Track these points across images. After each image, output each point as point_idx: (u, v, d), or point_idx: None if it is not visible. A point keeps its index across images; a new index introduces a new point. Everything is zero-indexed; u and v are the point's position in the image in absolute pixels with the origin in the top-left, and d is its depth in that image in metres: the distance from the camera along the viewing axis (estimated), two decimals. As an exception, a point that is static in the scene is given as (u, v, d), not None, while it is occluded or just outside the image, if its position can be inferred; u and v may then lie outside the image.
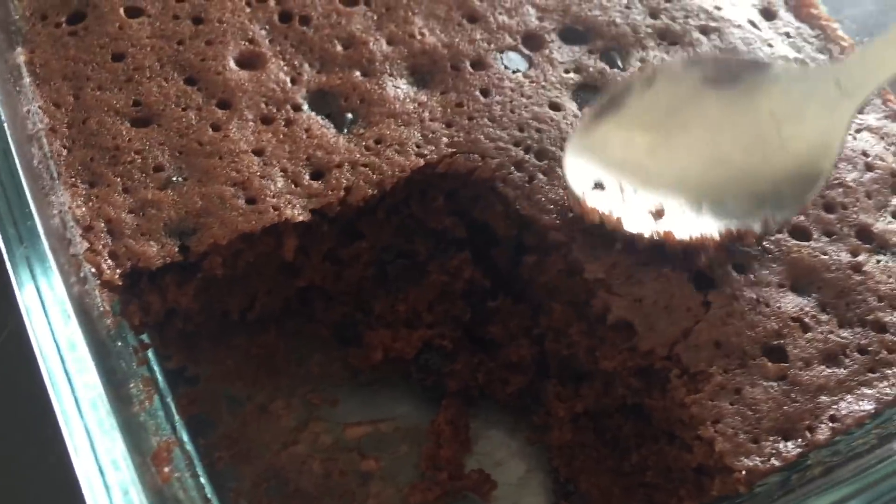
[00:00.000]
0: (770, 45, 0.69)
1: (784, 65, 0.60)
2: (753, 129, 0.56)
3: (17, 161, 0.53)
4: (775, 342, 0.54)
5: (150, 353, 0.58)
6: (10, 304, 0.48)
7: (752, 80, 0.57)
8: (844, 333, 0.55)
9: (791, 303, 0.55)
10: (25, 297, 0.47)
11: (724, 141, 0.56)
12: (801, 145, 0.55)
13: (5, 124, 0.54)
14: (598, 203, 0.56)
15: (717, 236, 0.54)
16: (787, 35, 0.71)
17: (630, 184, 0.56)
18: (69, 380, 0.45)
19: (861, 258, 0.58)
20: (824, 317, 0.55)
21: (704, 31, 0.69)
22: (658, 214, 0.55)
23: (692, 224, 0.55)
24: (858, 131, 0.64)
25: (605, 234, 0.56)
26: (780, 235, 0.58)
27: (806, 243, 0.58)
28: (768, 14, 0.72)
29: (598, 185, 0.57)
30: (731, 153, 0.56)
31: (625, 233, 0.55)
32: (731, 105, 0.57)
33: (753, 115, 0.56)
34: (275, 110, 0.60)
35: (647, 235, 0.55)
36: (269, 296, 0.63)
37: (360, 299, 0.65)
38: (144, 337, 0.58)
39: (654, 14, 0.69)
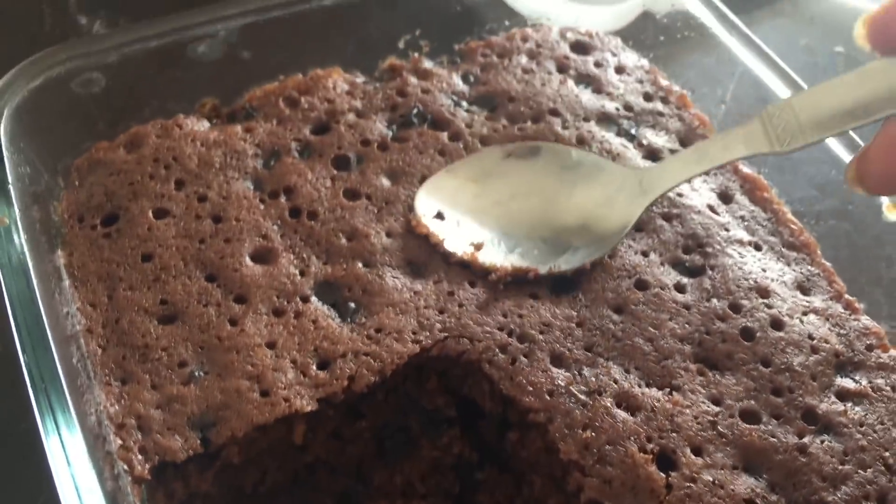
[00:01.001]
0: (727, 230, 0.77)
1: (582, 154, 0.79)
2: (554, 198, 0.76)
3: (58, 363, 0.60)
4: (731, 521, 0.61)
5: (171, 530, 0.64)
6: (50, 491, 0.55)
7: (551, 157, 0.78)
8: (799, 506, 0.62)
9: (743, 484, 0.62)
10: (67, 500, 0.54)
11: (529, 201, 0.76)
12: (604, 222, 0.73)
13: (48, 326, 0.62)
14: (432, 225, 0.73)
15: (508, 267, 0.71)
16: (742, 218, 0.79)
17: (464, 221, 0.74)
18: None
19: (806, 440, 0.65)
20: (773, 497, 0.62)
21: (667, 217, 0.77)
22: (477, 247, 0.72)
23: (497, 257, 0.72)
24: (805, 314, 0.72)
25: (585, 422, 0.64)
26: (732, 419, 0.65)
27: (756, 426, 0.65)
28: (725, 198, 0.81)
29: (439, 216, 0.74)
30: (534, 212, 0.75)
31: (442, 249, 0.72)
32: (532, 173, 0.77)
33: (554, 187, 0.76)
34: (285, 303, 0.68)
35: (458, 254, 0.71)
36: (279, 471, 0.69)
37: (360, 472, 0.72)
38: (166, 515, 0.64)
39: (622, 203, 0.78)
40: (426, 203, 0.74)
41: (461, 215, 0.74)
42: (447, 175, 0.76)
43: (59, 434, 0.56)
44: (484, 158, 0.78)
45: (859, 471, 0.64)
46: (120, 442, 0.60)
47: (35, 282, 0.61)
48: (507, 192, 0.75)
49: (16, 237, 0.63)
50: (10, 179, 0.66)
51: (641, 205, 0.73)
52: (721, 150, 0.68)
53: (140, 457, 0.60)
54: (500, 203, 0.75)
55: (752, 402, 0.66)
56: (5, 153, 0.67)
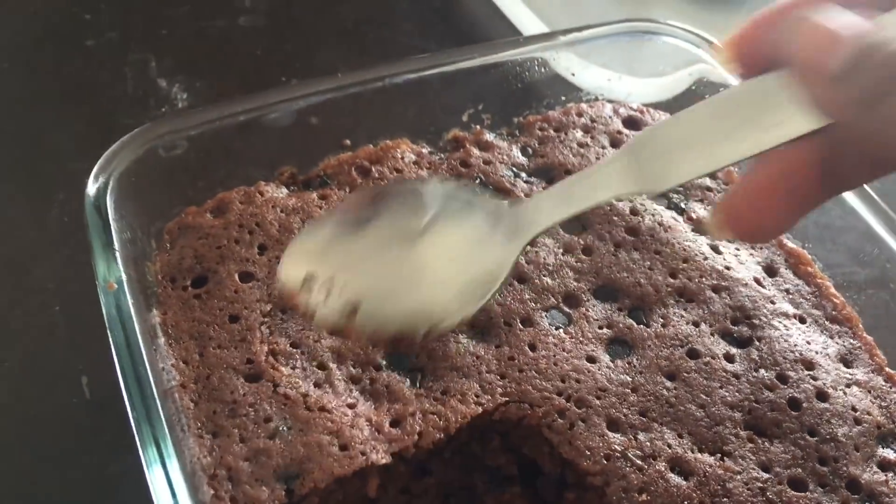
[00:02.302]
0: (773, 302, 0.82)
1: (455, 196, 0.68)
2: (419, 256, 0.66)
3: (162, 415, 0.66)
4: (779, 586, 0.64)
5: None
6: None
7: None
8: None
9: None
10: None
11: (392, 264, 0.67)
12: (477, 268, 0.65)
13: (153, 381, 0.67)
14: (302, 294, 0.65)
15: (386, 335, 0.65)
16: (787, 292, 0.84)
17: (339, 278, 0.65)
18: None
19: (851, 508, 0.69)
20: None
21: (716, 289, 0.82)
22: (353, 311, 0.64)
23: (375, 322, 0.65)
24: (848, 386, 0.76)
25: (641, 486, 0.68)
26: (780, 486, 0.69)
27: (803, 494, 0.69)
28: (771, 271, 0.85)
29: (309, 278, 0.65)
30: (405, 273, 0.66)
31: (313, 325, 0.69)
32: (391, 236, 0.67)
33: (417, 245, 0.66)
34: (360, 371, 0.74)
35: (332, 324, 0.65)
36: (351, 521, 0.74)
37: (426, 524, 0.77)
38: (248, 560, 0.69)
39: (673, 274, 0.83)
40: (292, 265, 0.67)
41: (334, 273, 0.66)
42: (309, 237, 0.69)
43: (169, 480, 0.61)
44: (335, 226, 0.69)
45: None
46: (212, 492, 0.65)
47: (140, 339, 0.67)
48: (377, 246, 0.67)
49: (123, 300, 0.69)
50: (116, 245, 0.72)
51: (518, 247, 0.65)
52: (589, 190, 0.61)
53: (231, 506, 0.65)
54: (372, 256, 0.67)
55: (800, 469, 0.70)
56: (111, 220, 0.73)
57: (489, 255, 0.65)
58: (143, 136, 0.80)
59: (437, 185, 0.71)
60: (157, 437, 0.63)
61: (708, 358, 0.77)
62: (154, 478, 0.61)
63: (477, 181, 0.88)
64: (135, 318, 0.69)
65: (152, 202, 0.81)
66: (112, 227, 0.73)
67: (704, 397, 0.74)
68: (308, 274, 0.65)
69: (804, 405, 0.74)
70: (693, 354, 0.77)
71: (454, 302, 0.65)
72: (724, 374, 0.76)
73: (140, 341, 0.68)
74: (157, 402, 0.65)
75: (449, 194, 0.69)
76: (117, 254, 0.71)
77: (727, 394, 0.74)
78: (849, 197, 0.86)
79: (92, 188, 0.75)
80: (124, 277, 0.70)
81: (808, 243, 0.88)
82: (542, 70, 0.97)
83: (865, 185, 0.86)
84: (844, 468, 0.71)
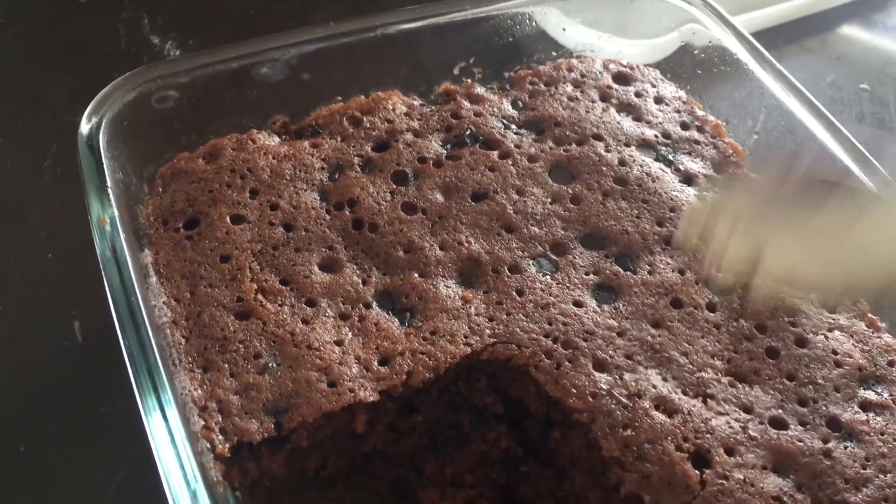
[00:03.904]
0: (757, 251, 0.83)
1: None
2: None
3: (154, 347, 0.66)
4: (759, 517, 0.66)
5: (241, 509, 0.70)
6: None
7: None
8: (819, 511, 0.67)
9: (772, 483, 0.67)
10: (168, 469, 0.60)
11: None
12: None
13: (145, 316, 0.68)
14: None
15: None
16: (772, 241, 0.85)
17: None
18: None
19: (831, 444, 0.70)
20: (800, 496, 0.67)
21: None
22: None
23: None
24: (830, 330, 0.78)
25: (626, 423, 0.69)
26: (762, 426, 0.70)
27: (784, 431, 0.70)
28: (756, 221, 0.86)
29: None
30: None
31: None
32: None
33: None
34: (350, 308, 0.75)
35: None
36: (339, 458, 0.75)
37: (413, 462, 0.78)
38: (238, 493, 0.70)
39: (660, 223, 0.84)
40: None
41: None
42: None
43: (162, 407, 0.61)
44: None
45: (880, 475, 0.69)
46: (203, 422, 0.66)
47: (133, 274, 0.68)
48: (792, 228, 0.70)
49: (116, 235, 0.70)
50: (109, 183, 0.72)
51: None
52: None
53: (220, 437, 0.66)
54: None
55: (780, 411, 0.71)
56: (104, 159, 0.74)
57: None
58: (135, 79, 0.81)
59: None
60: (150, 366, 0.64)
61: (690, 308, 0.78)
62: (148, 407, 0.62)
63: (468, 132, 0.89)
64: (128, 256, 0.70)
65: (145, 147, 0.82)
66: (105, 166, 0.74)
67: (687, 346, 0.75)
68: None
69: (782, 353, 0.75)
70: (676, 304, 0.78)
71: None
72: (706, 324, 0.77)
73: (133, 276, 0.68)
74: (150, 333, 0.65)
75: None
76: (109, 191, 0.72)
77: (708, 343, 0.75)
78: (846, 159, 0.87)
79: (85, 127, 0.76)
80: (117, 214, 0.71)
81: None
82: (533, 25, 0.98)
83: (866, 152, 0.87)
84: (824, 408, 0.72)
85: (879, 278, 0.69)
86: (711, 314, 0.78)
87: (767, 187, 0.74)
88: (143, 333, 0.64)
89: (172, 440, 0.60)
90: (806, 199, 0.71)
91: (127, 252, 0.69)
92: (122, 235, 0.70)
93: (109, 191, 0.72)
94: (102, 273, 0.67)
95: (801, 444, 0.70)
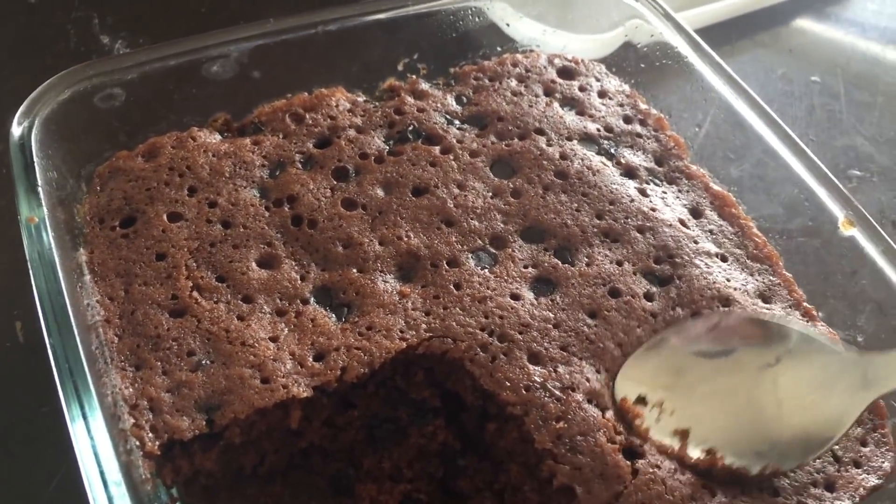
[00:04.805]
0: (696, 242, 0.84)
1: (805, 336, 0.72)
2: (763, 381, 0.70)
3: (80, 347, 0.67)
4: (688, 505, 0.66)
5: (177, 505, 0.70)
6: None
7: (749, 357, 0.71)
8: (746, 498, 0.67)
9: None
10: (88, 469, 0.60)
11: (731, 397, 0.70)
12: (817, 413, 0.67)
13: (72, 315, 0.68)
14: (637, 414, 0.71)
15: (718, 466, 0.67)
16: (711, 232, 0.85)
17: (668, 405, 0.70)
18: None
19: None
20: (728, 484, 0.68)
21: (641, 230, 0.83)
22: (682, 436, 0.69)
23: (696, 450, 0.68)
24: (765, 319, 0.78)
25: (559, 415, 0.70)
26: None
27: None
28: (696, 213, 0.87)
29: (641, 400, 0.71)
30: (745, 397, 0.70)
31: (647, 436, 0.69)
32: (736, 357, 0.71)
33: (763, 369, 0.70)
34: (287, 304, 0.75)
35: (664, 444, 0.69)
36: (277, 454, 0.75)
37: (351, 456, 0.78)
38: (173, 491, 0.70)
39: (599, 216, 0.84)
40: (626, 385, 0.72)
41: (664, 399, 0.70)
42: (643, 358, 0.73)
43: (82, 409, 0.62)
44: (680, 346, 0.73)
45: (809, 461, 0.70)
46: (133, 420, 0.66)
47: (61, 275, 0.68)
48: (712, 375, 0.71)
49: (44, 235, 0.69)
50: (39, 182, 0.72)
51: (864, 400, 0.66)
52: None
53: (151, 434, 0.66)
54: (704, 384, 0.71)
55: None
56: (35, 159, 0.74)
57: (832, 403, 0.67)
58: (70, 78, 0.81)
59: (785, 322, 0.73)
60: (72, 367, 0.63)
61: (628, 297, 0.78)
62: (70, 406, 0.62)
63: (410, 128, 0.89)
64: (58, 257, 0.70)
65: (83, 146, 0.82)
66: (37, 166, 0.73)
67: (623, 336, 0.76)
68: (640, 395, 0.71)
69: (720, 340, 0.76)
70: (615, 293, 0.78)
71: (796, 445, 0.67)
72: (643, 313, 0.77)
73: (61, 276, 0.68)
74: (76, 333, 0.65)
75: (798, 334, 0.71)
76: (40, 190, 0.72)
77: (643, 333, 0.76)
78: (782, 151, 0.88)
79: (16, 128, 0.76)
80: (47, 213, 0.71)
81: (735, 187, 0.90)
82: (477, 20, 0.98)
83: (798, 139, 0.88)
84: (756, 397, 0.73)
85: (793, 435, 0.68)
86: (649, 303, 0.78)
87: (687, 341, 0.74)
88: (67, 333, 0.64)
89: (92, 440, 0.60)
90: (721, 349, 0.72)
91: (56, 251, 0.69)
92: (52, 234, 0.70)
93: (40, 190, 0.72)
94: (30, 272, 0.67)
95: (732, 432, 0.70)
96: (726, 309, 0.77)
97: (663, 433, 0.69)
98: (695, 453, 0.68)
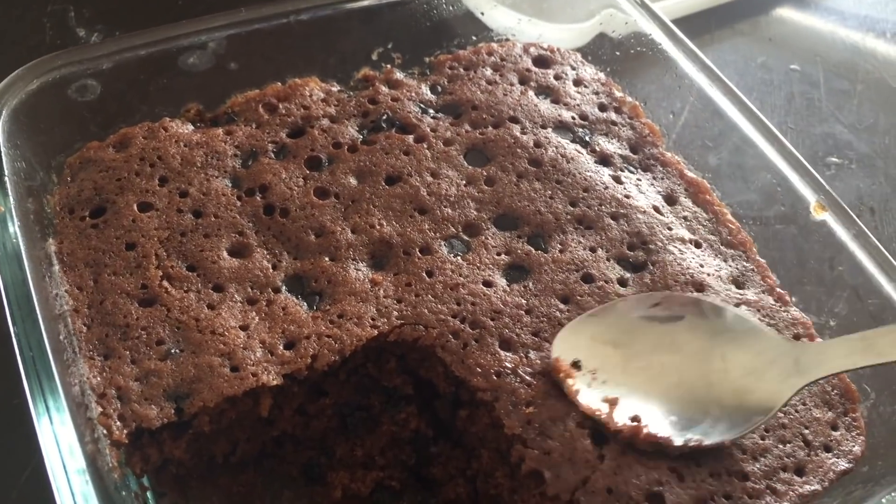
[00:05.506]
0: (669, 229, 0.84)
1: (738, 315, 0.73)
2: (700, 361, 0.70)
3: (45, 337, 0.66)
4: (656, 489, 0.66)
5: (148, 494, 0.70)
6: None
7: (698, 322, 0.72)
8: (713, 482, 0.67)
9: (670, 455, 0.68)
10: (51, 458, 0.60)
11: (672, 361, 0.71)
12: (749, 393, 0.67)
13: (37, 305, 0.68)
14: (571, 372, 0.71)
15: (642, 434, 0.67)
16: (685, 219, 0.85)
17: (600, 374, 0.70)
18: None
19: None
20: (696, 468, 0.68)
21: (615, 217, 0.83)
22: (611, 403, 0.68)
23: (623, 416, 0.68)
24: (738, 305, 0.78)
25: (529, 400, 0.70)
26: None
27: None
28: (670, 200, 0.87)
29: (576, 364, 0.71)
30: (674, 373, 0.70)
31: (574, 399, 0.69)
32: (674, 335, 0.72)
33: (701, 350, 0.70)
34: (258, 293, 0.74)
35: (592, 409, 0.69)
36: (248, 442, 0.75)
37: (324, 444, 0.78)
38: (144, 480, 0.70)
39: (573, 203, 0.84)
40: (563, 348, 0.72)
41: (598, 368, 0.70)
42: (584, 324, 0.73)
43: (45, 398, 0.61)
44: (622, 315, 0.74)
45: (779, 445, 0.70)
46: (100, 409, 0.66)
47: (27, 265, 0.67)
48: (649, 350, 0.71)
49: (10, 225, 0.69)
50: (6, 173, 0.72)
51: (794, 386, 0.66)
52: (892, 346, 0.64)
53: (118, 423, 0.66)
54: (640, 358, 0.71)
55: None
56: (2, 149, 0.73)
57: (763, 386, 0.67)
58: (40, 68, 0.81)
59: (726, 305, 0.74)
60: (35, 357, 0.63)
61: (602, 282, 0.78)
62: (34, 395, 0.62)
63: (384, 117, 0.89)
64: (25, 247, 0.70)
65: (54, 136, 0.81)
66: (3, 157, 0.73)
67: (596, 320, 0.76)
68: (575, 360, 0.71)
69: (690, 325, 0.76)
70: (587, 279, 0.78)
71: (721, 422, 0.67)
72: (617, 297, 0.77)
73: (27, 266, 0.68)
74: (41, 323, 0.65)
75: (736, 317, 0.72)
76: (6, 180, 0.72)
77: (618, 317, 0.76)
78: (759, 141, 0.88)
79: (-18, 119, 0.75)
80: (13, 204, 0.71)
81: (709, 174, 0.90)
82: (452, 9, 0.98)
83: (775, 129, 0.88)
84: (726, 381, 0.73)
85: (722, 412, 0.68)
86: (622, 288, 0.78)
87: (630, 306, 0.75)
88: (32, 323, 0.64)
89: (54, 430, 0.60)
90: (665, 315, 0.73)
91: (23, 241, 0.69)
92: (18, 224, 0.69)
93: (6, 180, 0.72)
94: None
95: (702, 416, 0.70)
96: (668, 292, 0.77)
97: (592, 399, 0.69)
98: (621, 420, 0.68)
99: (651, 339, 0.72)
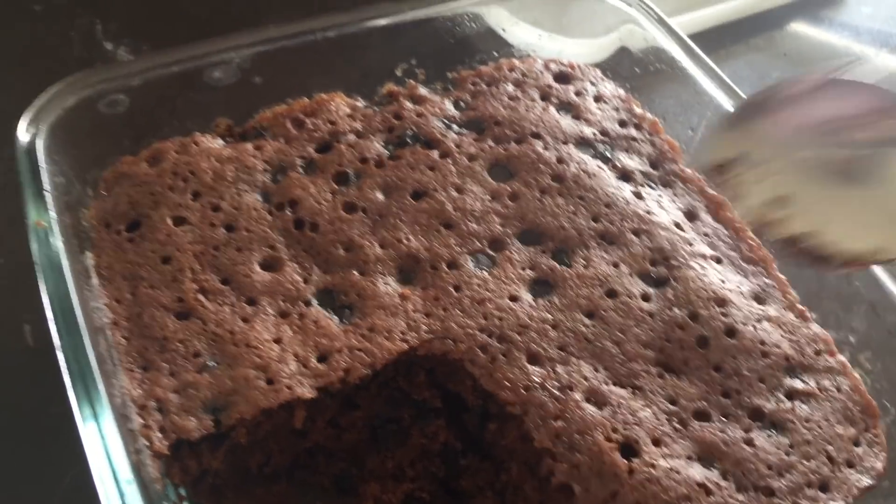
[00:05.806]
0: (691, 244, 0.85)
1: None
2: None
3: (89, 349, 0.68)
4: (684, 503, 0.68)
5: (184, 504, 0.72)
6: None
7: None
8: (740, 497, 0.69)
9: (697, 471, 0.70)
10: (99, 468, 0.61)
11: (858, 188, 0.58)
12: None
13: (81, 319, 0.69)
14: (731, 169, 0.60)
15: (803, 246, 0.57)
16: (706, 235, 0.87)
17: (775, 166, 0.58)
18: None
19: (752, 434, 0.72)
20: (725, 483, 0.69)
21: (637, 232, 0.85)
22: (782, 202, 0.58)
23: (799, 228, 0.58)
24: (759, 321, 0.80)
25: (557, 414, 0.71)
26: (685, 416, 0.72)
27: (708, 423, 0.72)
28: (691, 216, 0.89)
29: (741, 156, 0.59)
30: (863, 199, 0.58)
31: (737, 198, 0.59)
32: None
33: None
34: (290, 306, 0.76)
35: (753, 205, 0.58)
36: (282, 454, 0.77)
37: (355, 456, 0.80)
38: (182, 490, 0.72)
39: (595, 218, 0.86)
40: (724, 147, 0.60)
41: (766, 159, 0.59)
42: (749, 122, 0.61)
43: (93, 410, 0.63)
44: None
45: (804, 461, 0.72)
46: (142, 421, 0.68)
47: (69, 278, 0.69)
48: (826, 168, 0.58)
49: (53, 239, 0.71)
50: (47, 187, 0.73)
51: None
52: None
53: (159, 434, 0.67)
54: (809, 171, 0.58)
55: (704, 402, 0.74)
56: (43, 164, 0.75)
57: None
58: (77, 85, 0.82)
59: None
60: (83, 368, 0.65)
61: (625, 297, 0.80)
62: (81, 407, 0.63)
63: (409, 133, 0.91)
64: (67, 260, 0.71)
65: (88, 152, 0.83)
66: (44, 171, 0.75)
67: (620, 335, 0.77)
68: (741, 153, 0.59)
69: (712, 342, 0.77)
70: (611, 294, 0.80)
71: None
72: (640, 312, 0.79)
73: (69, 279, 0.70)
74: (85, 335, 0.67)
75: None
76: (47, 195, 0.73)
77: (641, 332, 0.77)
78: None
79: (23, 135, 0.77)
80: (54, 217, 0.72)
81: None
82: (474, 25, 1.00)
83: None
84: (748, 399, 0.74)
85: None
86: (646, 303, 0.80)
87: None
88: (77, 336, 0.66)
89: (103, 440, 0.61)
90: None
91: (64, 255, 0.71)
92: (60, 238, 0.71)
93: (47, 195, 0.73)
94: (39, 276, 0.68)
95: (724, 434, 0.72)
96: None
97: (759, 197, 0.58)
98: (790, 227, 0.57)
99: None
